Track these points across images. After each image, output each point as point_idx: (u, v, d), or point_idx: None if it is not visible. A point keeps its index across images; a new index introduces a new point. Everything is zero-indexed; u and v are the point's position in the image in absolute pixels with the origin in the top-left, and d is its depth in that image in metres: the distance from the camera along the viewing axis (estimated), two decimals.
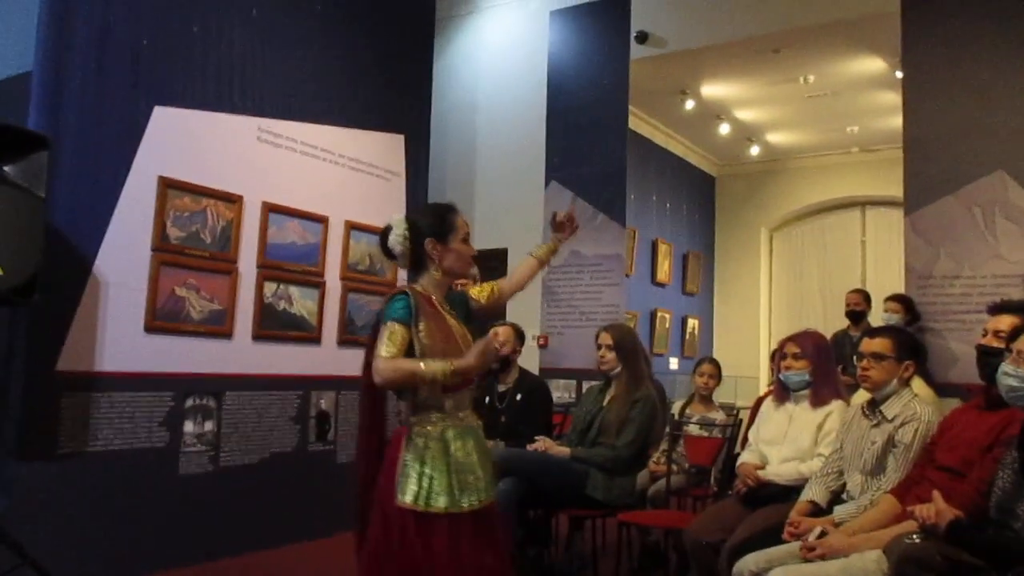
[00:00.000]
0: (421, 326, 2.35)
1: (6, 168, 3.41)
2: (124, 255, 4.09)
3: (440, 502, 2.30)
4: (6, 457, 3.67)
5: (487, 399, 4.33)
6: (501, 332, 4.36)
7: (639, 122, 8.42)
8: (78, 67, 3.95)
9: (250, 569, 4.30)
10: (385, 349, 2.30)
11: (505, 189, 6.88)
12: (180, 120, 4.37)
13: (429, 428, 2.37)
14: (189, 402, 4.36)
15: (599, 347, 4.69)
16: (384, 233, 2.50)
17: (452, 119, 7.11)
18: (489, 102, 7.13)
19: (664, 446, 4.25)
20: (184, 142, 4.39)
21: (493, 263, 6.86)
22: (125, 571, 3.94)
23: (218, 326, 4.52)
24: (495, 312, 2.74)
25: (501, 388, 4.34)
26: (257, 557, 4.47)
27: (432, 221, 2.50)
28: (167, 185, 4.27)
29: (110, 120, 4.07)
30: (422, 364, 2.28)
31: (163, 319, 4.24)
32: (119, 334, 4.05)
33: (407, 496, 2.29)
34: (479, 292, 2.72)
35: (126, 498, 4.04)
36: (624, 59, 6.38)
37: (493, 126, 7.09)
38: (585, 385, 5.35)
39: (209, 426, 4.46)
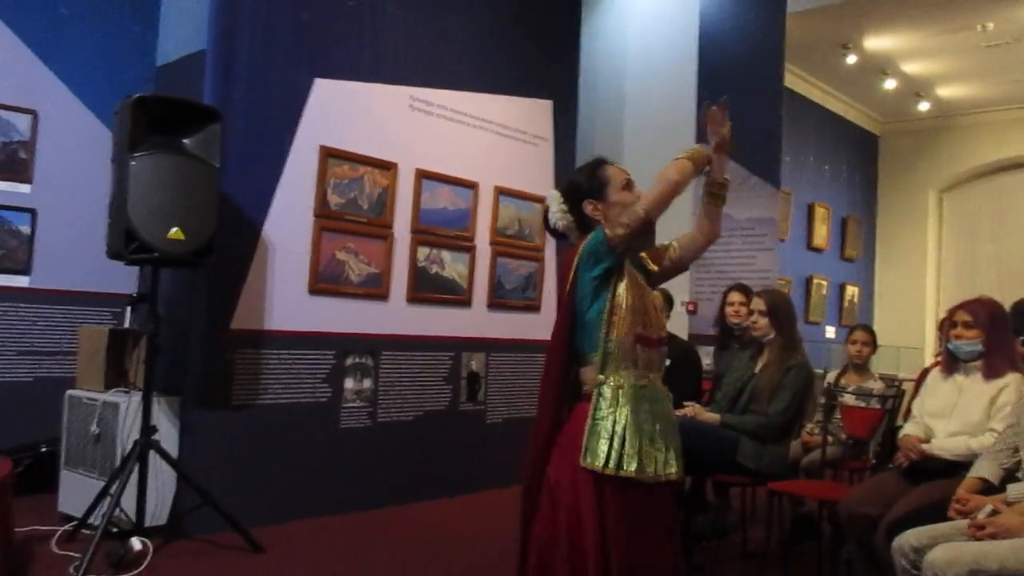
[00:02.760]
0: (623, 283, 2.30)
1: (185, 140, 3.68)
2: (289, 221, 4.32)
3: (631, 466, 2.17)
4: (189, 406, 3.99)
5: None
6: None
7: (796, 79, 8.04)
8: (246, 45, 4.19)
9: (402, 520, 4.51)
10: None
11: (654, 152, 6.74)
12: (338, 91, 4.55)
13: (622, 380, 2.24)
14: (349, 360, 4.59)
15: (731, 304, 4.57)
16: (545, 215, 2.43)
17: (600, 82, 7.04)
18: (637, 64, 7.01)
19: (818, 416, 4.11)
20: (342, 112, 4.57)
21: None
22: (288, 514, 4.22)
23: (375, 288, 4.72)
24: (680, 271, 2.56)
25: None
26: (409, 509, 4.68)
27: (584, 181, 2.39)
28: (327, 154, 4.47)
29: (275, 93, 4.29)
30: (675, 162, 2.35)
31: (325, 281, 4.47)
32: (285, 295, 4.31)
33: (597, 459, 2.18)
34: (653, 259, 2.49)
35: (292, 448, 4.32)
36: (780, 13, 6.10)
37: (642, 88, 6.97)
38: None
39: (367, 383, 4.69)
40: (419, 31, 4.97)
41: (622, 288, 2.28)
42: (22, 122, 4.62)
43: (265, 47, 4.25)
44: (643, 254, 2.48)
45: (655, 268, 2.47)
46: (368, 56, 4.72)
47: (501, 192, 5.43)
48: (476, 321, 5.30)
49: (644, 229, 2.25)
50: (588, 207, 2.34)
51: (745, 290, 4.67)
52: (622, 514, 2.17)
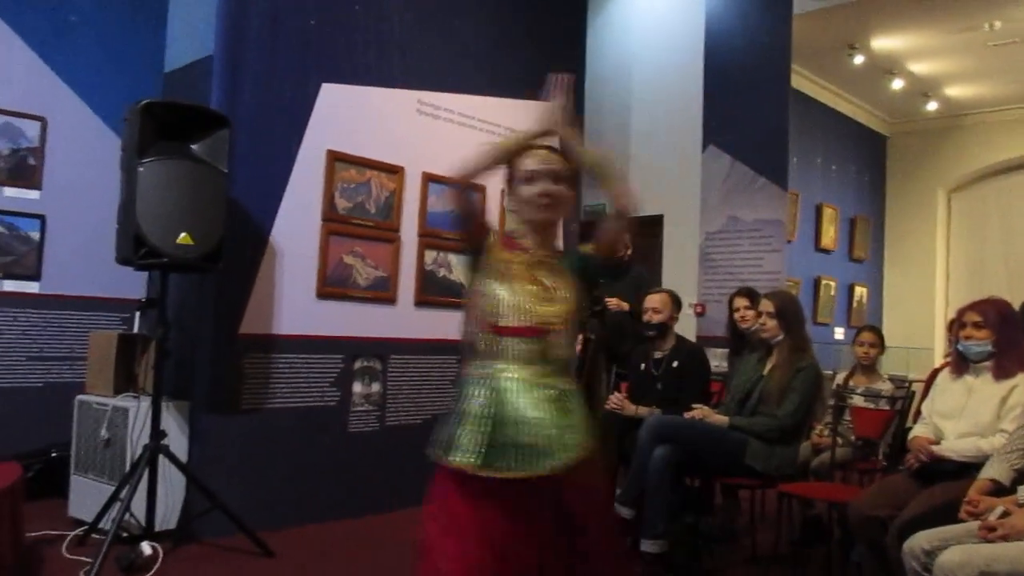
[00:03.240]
0: (489, 273, 2.08)
1: (193, 146, 3.70)
2: (297, 225, 4.34)
3: (472, 459, 1.98)
4: (198, 411, 4.01)
5: (642, 366, 4.31)
6: (656, 299, 4.32)
7: (802, 80, 8.03)
8: (253, 50, 4.20)
9: (410, 524, 4.49)
10: None
11: (661, 155, 6.78)
12: (345, 96, 4.56)
13: (484, 372, 2.04)
14: (357, 364, 4.60)
15: (736, 310, 4.60)
16: None
17: (605, 85, 7.04)
18: (642, 66, 7.02)
19: (828, 418, 4.10)
20: (349, 116, 4.58)
21: (647, 229, 6.79)
22: (297, 518, 4.23)
23: (383, 292, 4.73)
24: (617, 260, 2.42)
25: (657, 355, 4.30)
26: (417, 514, 4.64)
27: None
28: (335, 158, 4.49)
29: (282, 98, 4.31)
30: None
31: (332, 285, 4.48)
32: (294, 299, 4.32)
33: (438, 448, 2.08)
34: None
35: (301, 452, 4.32)
36: (786, 14, 6.09)
37: (647, 90, 6.97)
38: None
39: (376, 387, 4.69)
40: (425, 35, 4.98)
41: (488, 278, 2.07)
42: (31, 129, 4.65)
43: (272, 52, 4.26)
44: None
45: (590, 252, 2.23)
46: (375, 60, 4.73)
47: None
48: None
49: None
50: (501, 195, 2.28)
51: (750, 294, 4.67)
52: (474, 511, 2.02)
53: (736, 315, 4.66)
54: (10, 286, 4.57)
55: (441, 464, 2.07)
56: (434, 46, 5.04)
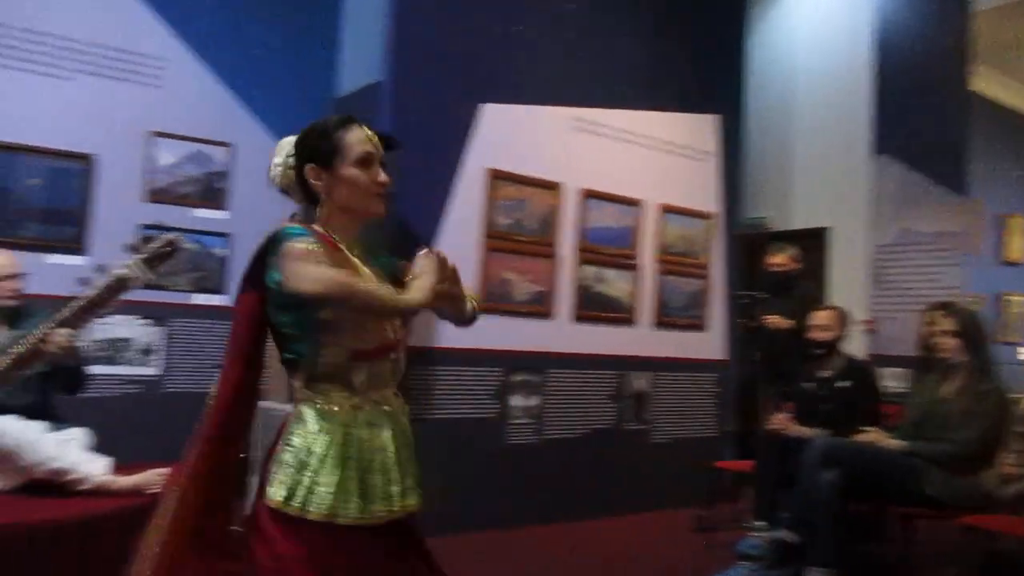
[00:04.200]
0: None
1: None
2: (458, 242, 4.47)
3: (346, 509, 1.69)
4: None
5: (809, 385, 4.15)
6: (823, 316, 4.15)
7: (985, 82, 7.48)
8: (418, 74, 4.39)
9: (566, 537, 4.53)
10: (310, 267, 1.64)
11: (826, 164, 6.49)
12: (505, 115, 4.67)
13: (332, 407, 1.74)
14: (516, 377, 4.69)
15: (929, 324, 4.31)
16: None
17: (768, 93, 6.84)
18: (807, 72, 6.76)
19: (1018, 446, 3.79)
20: (509, 135, 4.69)
21: (812, 243, 6.52)
22: (457, 526, 4.32)
23: (540, 306, 4.79)
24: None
25: (824, 374, 4.13)
26: (573, 527, 4.69)
27: (313, 141, 1.82)
28: (494, 176, 4.60)
29: (444, 119, 4.47)
30: (376, 286, 1.72)
31: (492, 300, 4.59)
32: None
33: (279, 491, 1.68)
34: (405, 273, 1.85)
35: (461, 461, 4.44)
36: (964, 10, 5.72)
37: (812, 96, 6.71)
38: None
39: (534, 400, 4.76)
40: (582, 52, 5.03)
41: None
42: (219, 154, 5.03)
43: (435, 75, 4.44)
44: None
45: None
46: (533, 79, 4.82)
47: (666, 210, 5.39)
48: (641, 340, 5.27)
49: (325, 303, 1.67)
50: (310, 172, 1.80)
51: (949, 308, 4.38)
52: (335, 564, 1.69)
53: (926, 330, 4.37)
54: (200, 299, 4.96)
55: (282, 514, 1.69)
56: (592, 62, 5.08)
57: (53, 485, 2.88)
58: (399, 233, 4.05)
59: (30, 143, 4.32)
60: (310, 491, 1.68)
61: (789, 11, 6.94)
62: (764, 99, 6.80)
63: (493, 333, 4.59)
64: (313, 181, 1.81)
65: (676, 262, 5.46)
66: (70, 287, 2.89)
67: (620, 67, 5.23)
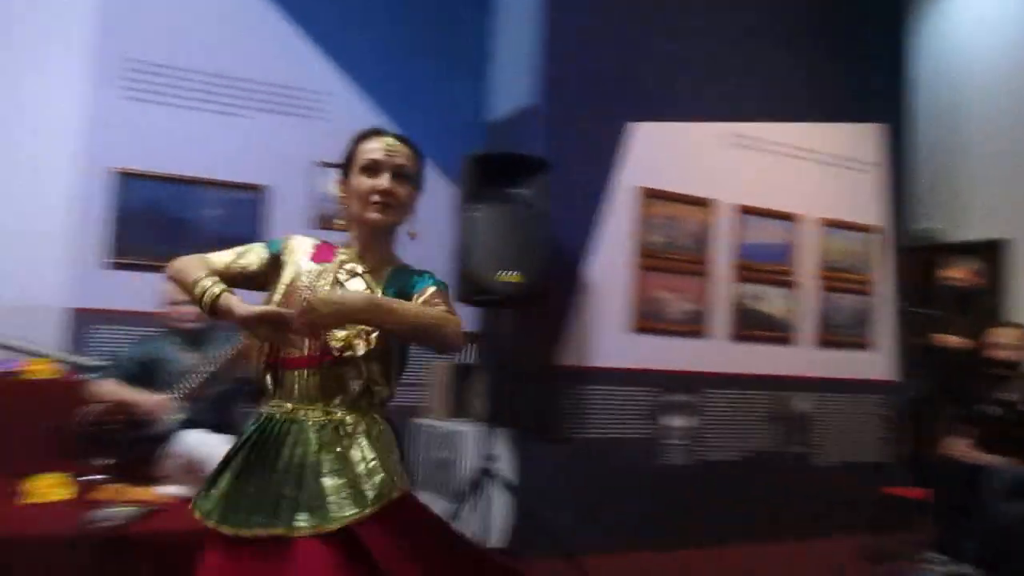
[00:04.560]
0: (285, 275, 1.80)
1: (517, 191, 3.99)
2: (611, 261, 4.48)
3: (204, 506, 1.69)
4: (523, 438, 4.25)
5: (992, 409, 3.86)
6: (1006, 334, 3.86)
7: None
8: (569, 96, 4.45)
9: (719, 563, 4.40)
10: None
11: (1005, 170, 6.04)
12: (657, 133, 4.65)
13: (260, 411, 1.76)
14: (671, 397, 4.62)
15: None
16: None
17: (935, 98, 6.45)
18: (980, 74, 6.33)
19: None
20: (661, 152, 4.66)
21: (987, 255, 6.08)
22: (614, 545, 4.29)
23: (695, 325, 4.71)
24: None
25: (1008, 397, 3.83)
26: (727, 553, 4.55)
27: (343, 155, 1.87)
28: (647, 194, 4.58)
29: (596, 139, 4.50)
30: (203, 274, 1.71)
31: (645, 319, 4.56)
32: (607, 333, 4.45)
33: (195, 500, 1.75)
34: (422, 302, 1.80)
35: (617, 481, 4.41)
36: None
37: (986, 99, 6.27)
38: None
39: (689, 421, 4.67)
40: (735, 65, 4.93)
41: (279, 291, 1.80)
42: None
43: (587, 96, 4.47)
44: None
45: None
46: (685, 96, 4.77)
47: (827, 224, 5.18)
48: (803, 359, 5.07)
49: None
50: (337, 185, 1.89)
51: None
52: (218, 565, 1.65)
53: None
54: None
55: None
56: (746, 75, 4.97)
57: None
58: (552, 253, 4.09)
59: (210, 176, 4.67)
60: (203, 492, 1.73)
61: (952, 12, 6.53)
62: (931, 105, 6.42)
63: (646, 352, 4.56)
64: (339, 193, 1.88)
65: (839, 278, 5.22)
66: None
67: (775, 79, 5.09)
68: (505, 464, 4.10)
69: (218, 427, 3.27)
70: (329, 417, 1.70)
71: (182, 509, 2.95)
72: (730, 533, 4.66)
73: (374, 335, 1.70)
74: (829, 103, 5.27)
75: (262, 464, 1.67)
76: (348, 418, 1.71)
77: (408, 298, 1.77)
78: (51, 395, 3.55)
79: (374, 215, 1.77)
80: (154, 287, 4.41)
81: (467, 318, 4.74)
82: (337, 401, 1.71)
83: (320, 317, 1.57)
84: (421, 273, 1.87)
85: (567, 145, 4.39)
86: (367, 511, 1.62)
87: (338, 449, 1.68)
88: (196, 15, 4.73)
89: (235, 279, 1.79)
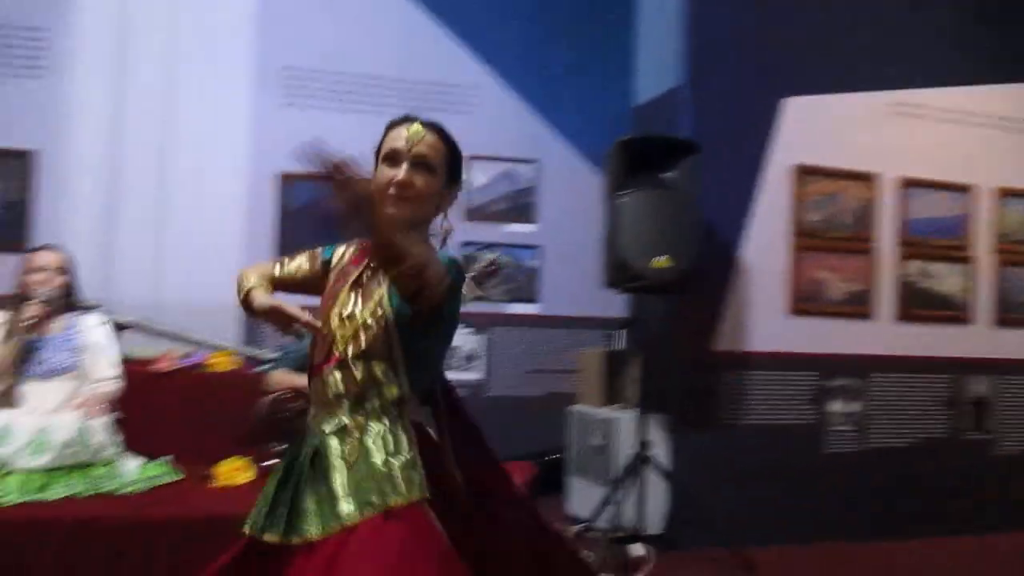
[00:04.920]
0: (330, 278, 1.79)
1: (666, 174, 3.94)
2: (765, 242, 4.34)
3: (248, 521, 1.68)
4: (678, 424, 4.21)
5: None
6: None
7: None
8: (717, 75, 4.33)
9: (889, 557, 4.19)
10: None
11: None
12: (810, 107, 4.45)
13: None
14: (834, 382, 4.43)
15: None
16: None
17: None
18: None
19: None
20: (815, 128, 4.46)
21: None
22: (773, 536, 4.16)
23: (858, 307, 4.49)
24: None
25: None
26: (898, 546, 4.31)
27: None
28: (802, 171, 4.40)
29: (746, 118, 4.36)
30: (254, 278, 1.77)
31: (804, 301, 4.39)
32: (764, 316, 4.32)
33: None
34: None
35: (776, 470, 4.27)
36: None
37: None
38: None
39: (855, 406, 4.47)
40: (895, 30, 4.64)
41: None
42: (527, 171, 5.33)
43: (735, 73, 4.34)
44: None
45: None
46: (840, 66, 4.54)
47: (1006, 193, 4.80)
48: (979, 340, 4.73)
49: None
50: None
51: None
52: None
53: None
54: (515, 308, 5.28)
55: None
56: (906, 40, 4.66)
57: None
58: (704, 237, 4.01)
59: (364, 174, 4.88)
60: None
61: None
62: None
63: (806, 336, 4.39)
64: None
65: (1018, 251, 4.83)
66: None
67: (941, 41, 4.74)
68: (660, 451, 4.07)
69: None
70: (336, 423, 1.65)
71: None
72: (899, 526, 4.43)
73: (366, 334, 1.64)
74: (1005, 64, 4.87)
75: (290, 473, 1.66)
76: (350, 422, 1.64)
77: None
78: (232, 385, 3.82)
79: (389, 208, 1.61)
80: None
81: (617, 305, 4.76)
82: (344, 406, 1.65)
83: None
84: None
85: (716, 125, 4.28)
86: (342, 524, 1.55)
87: (335, 458, 1.62)
88: (346, 21, 4.97)
89: (287, 284, 1.84)
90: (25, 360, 3.18)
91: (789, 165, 4.39)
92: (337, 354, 1.66)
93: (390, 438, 1.63)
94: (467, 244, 5.02)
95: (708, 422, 4.22)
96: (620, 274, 3.80)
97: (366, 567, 1.51)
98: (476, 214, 5.16)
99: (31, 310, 3.16)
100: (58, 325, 3.28)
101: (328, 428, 1.65)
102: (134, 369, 3.53)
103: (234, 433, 3.57)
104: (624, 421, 4.16)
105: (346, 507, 1.56)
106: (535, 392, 5.29)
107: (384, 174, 1.65)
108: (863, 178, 4.52)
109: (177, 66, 4.69)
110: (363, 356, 1.64)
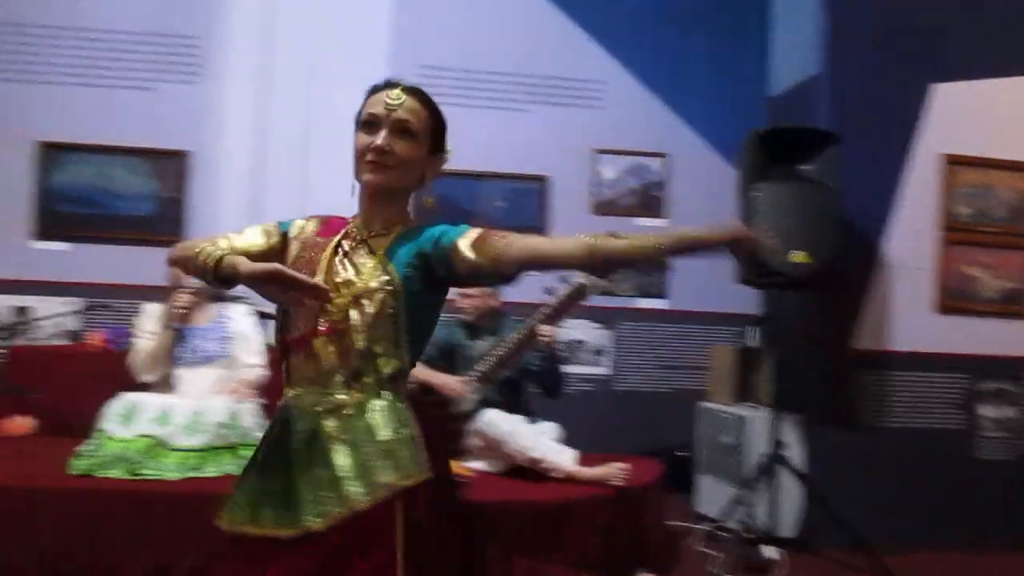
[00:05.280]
0: (291, 253, 1.67)
1: (803, 166, 3.82)
2: (909, 236, 4.13)
3: (225, 514, 1.58)
4: (813, 424, 4.07)
5: None
6: None
7: None
8: (857, 63, 4.15)
9: None
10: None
11: None
12: (959, 94, 4.20)
13: (279, 401, 1.65)
14: (986, 385, 4.18)
15: None
16: None
17: None
18: None
19: None
20: (966, 115, 4.21)
21: None
22: (915, 543, 3.94)
23: (1014, 305, 4.22)
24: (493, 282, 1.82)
25: None
26: None
27: None
28: (951, 162, 4.17)
29: (888, 107, 4.17)
30: (212, 247, 1.55)
31: (953, 299, 4.16)
32: (908, 314, 4.12)
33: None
34: (472, 244, 1.56)
35: (920, 474, 4.07)
36: None
37: None
38: None
39: (1011, 411, 4.20)
40: None
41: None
42: (655, 165, 5.27)
43: (877, 61, 4.16)
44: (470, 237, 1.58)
45: (470, 256, 1.56)
46: (996, 49, 4.27)
47: None
48: None
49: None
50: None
51: None
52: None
53: None
54: (644, 303, 5.23)
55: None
56: None
57: (531, 471, 3.27)
58: (845, 231, 3.86)
59: (495, 170, 4.96)
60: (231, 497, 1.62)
61: None
62: None
63: (955, 335, 4.16)
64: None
65: None
66: (537, 296, 3.27)
67: None
68: (794, 451, 3.95)
69: (512, 407, 3.47)
70: (329, 401, 1.56)
71: (484, 482, 3.21)
72: None
73: (372, 301, 1.55)
74: None
75: (276, 459, 1.57)
76: (347, 399, 1.56)
77: (438, 251, 1.58)
78: None
79: (367, 175, 1.59)
80: None
81: (749, 300, 4.65)
82: (336, 381, 1.57)
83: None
84: (437, 225, 1.62)
85: (858, 114, 4.11)
86: (350, 508, 1.48)
87: (333, 438, 1.54)
88: (477, 18, 5.05)
89: (245, 256, 1.60)
90: (179, 348, 3.42)
91: (937, 155, 4.17)
92: (328, 324, 1.56)
93: (393, 413, 1.56)
94: None
95: (846, 423, 4.07)
96: (755, 269, 3.70)
97: (380, 553, 1.47)
98: (604, 208, 5.15)
99: (182, 300, 3.38)
100: (207, 315, 3.51)
101: (321, 408, 1.56)
102: None
103: None
104: (757, 420, 4.06)
105: (354, 489, 1.48)
106: (663, 388, 5.22)
107: (362, 140, 1.59)
108: (1019, 168, 4.24)
109: (318, 69, 4.89)
110: (365, 326, 1.56)
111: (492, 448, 3.33)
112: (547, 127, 5.04)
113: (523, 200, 5.10)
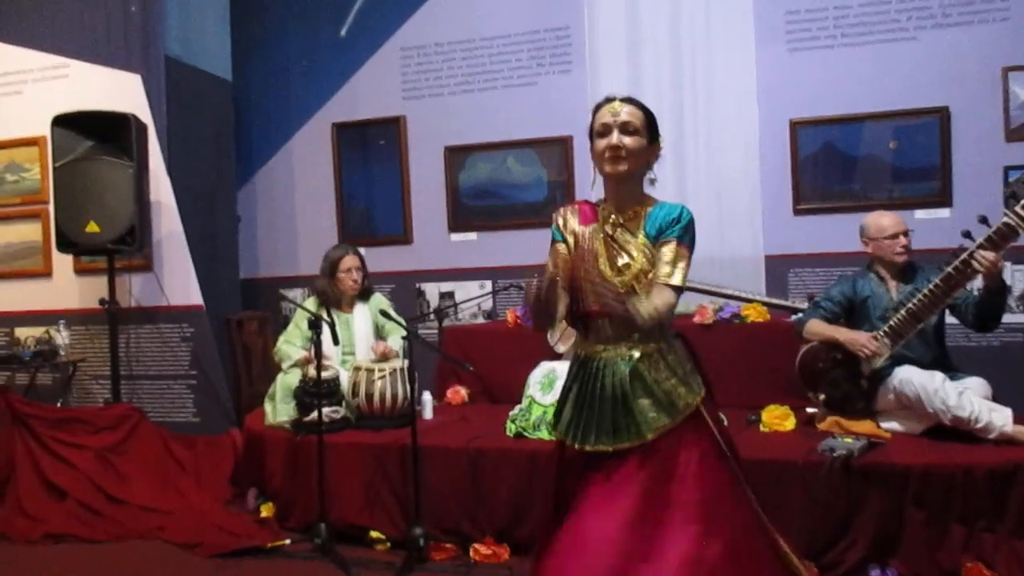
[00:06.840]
0: (572, 244, 2.16)
1: None
2: None
3: (560, 430, 2.15)
4: None
5: None
6: None
7: None
8: None
9: None
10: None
11: None
12: None
13: (577, 352, 2.18)
14: None
15: None
16: None
17: None
18: None
19: None
20: None
21: None
22: None
23: None
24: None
25: None
26: None
27: None
28: None
29: None
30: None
31: None
32: None
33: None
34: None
35: None
36: None
37: None
38: None
39: None
40: None
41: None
42: None
43: None
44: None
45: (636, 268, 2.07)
46: None
47: None
48: None
49: None
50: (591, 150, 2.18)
51: None
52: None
53: None
54: None
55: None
56: None
57: (955, 432, 3.00)
58: None
59: (880, 109, 4.59)
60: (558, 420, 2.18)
61: None
62: None
63: None
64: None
65: None
66: (939, 241, 2.96)
67: None
68: None
69: (930, 363, 3.20)
70: (631, 352, 2.05)
71: (903, 444, 3.02)
72: None
73: (647, 276, 2.05)
74: None
75: (591, 396, 2.06)
76: (646, 349, 2.05)
77: (662, 239, 2.05)
78: (765, 336, 3.92)
79: (608, 168, 2.04)
80: (837, 228, 4.58)
81: None
82: (636, 338, 2.05)
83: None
84: (672, 213, 2.07)
85: None
86: (675, 420, 2.00)
87: (645, 376, 2.03)
88: None
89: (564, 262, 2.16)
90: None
91: None
92: (590, 308, 2.08)
93: (676, 356, 2.08)
94: (1012, 168, 4.40)
95: None
96: None
97: (703, 441, 2.02)
98: (1018, 134, 4.50)
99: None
100: None
101: (629, 355, 2.05)
102: (678, 323, 3.83)
103: (774, 382, 3.69)
104: None
105: (671, 409, 2.01)
106: None
107: (599, 144, 2.05)
108: None
109: (682, 34, 4.90)
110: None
111: (909, 408, 3.12)
112: (941, 52, 4.52)
113: (917, 137, 4.65)
